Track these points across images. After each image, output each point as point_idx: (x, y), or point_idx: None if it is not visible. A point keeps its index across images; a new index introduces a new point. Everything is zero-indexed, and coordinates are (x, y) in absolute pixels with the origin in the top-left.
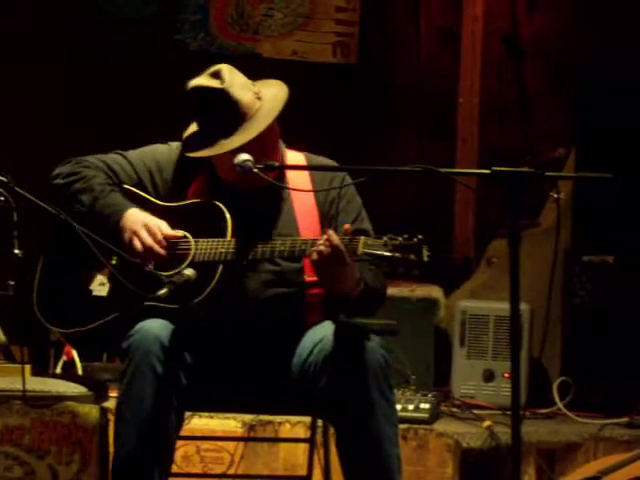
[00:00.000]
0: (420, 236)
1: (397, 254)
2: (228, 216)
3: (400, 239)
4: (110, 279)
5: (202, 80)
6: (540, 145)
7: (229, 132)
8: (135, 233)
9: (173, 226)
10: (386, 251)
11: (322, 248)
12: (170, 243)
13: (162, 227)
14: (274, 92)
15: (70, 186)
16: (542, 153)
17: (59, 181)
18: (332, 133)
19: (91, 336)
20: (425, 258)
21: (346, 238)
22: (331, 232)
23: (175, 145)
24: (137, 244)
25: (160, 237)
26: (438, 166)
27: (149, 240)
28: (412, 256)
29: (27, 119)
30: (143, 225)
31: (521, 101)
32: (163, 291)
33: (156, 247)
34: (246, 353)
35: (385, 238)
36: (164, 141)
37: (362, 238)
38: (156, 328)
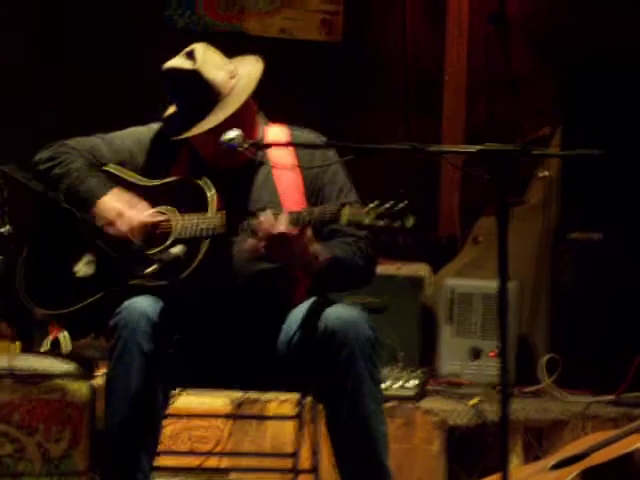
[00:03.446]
0: (404, 203)
1: (381, 222)
2: (210, 191)
3: (384, 207)
4: (96, 259)
5: (175, 62)
6: (527, 123)
7: (204, 113)
8: (109, 222)
9: (156, 204)
10: (370, 219)
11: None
12: (154, 221)
13: (140, 211)
14: (248, 70)
15: (49, 172)
16: (528, 132)
17: (40, 167)
18: (318, 110)
19: (78, 316)
20: (409, 224)
21: (329, 207)
22: (269, 213)
23: (155, 126)
24: (113, 233)
25: (134, 223)
26: (424, 144)
27: (124, 229)
28: (396, 223)
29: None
30: (116, 213)
31: (508, 79)
32: (151, 269)
33: (129, 235)
34: (233, 330)
35: (369, 206)
36: (147, 121)
37: (346, 207)
38: (144, 305)
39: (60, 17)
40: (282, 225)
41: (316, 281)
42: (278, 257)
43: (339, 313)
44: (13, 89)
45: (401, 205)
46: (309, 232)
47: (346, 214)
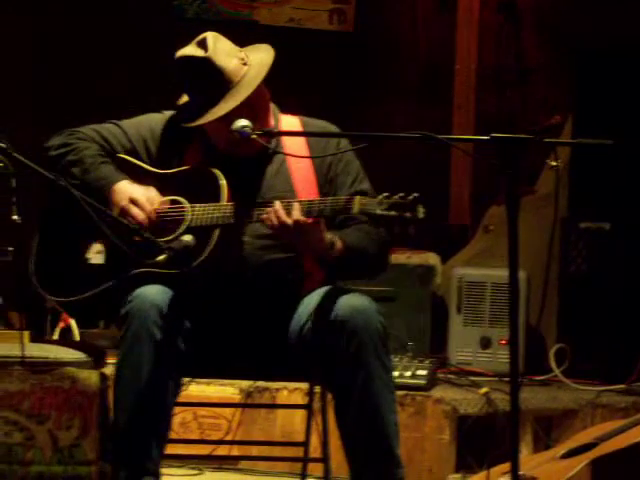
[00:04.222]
0: (415, 194)
1: (393, 212)
2: (223, 181)
3: (395, 197)
4: (107, 247)
5: (187, 50)
6: (537, 112)
7: (216, 100)
8: (123, 208)
9: (168, 193)
10: (381, 209)
11: (272, 219)
12: (166, 210)
13: (152, 198)
14: (260, 57)
15: (62, 158)
16: (539, 120)
17: (52, 153)
18: (329, 100)
19: (88, 304)
20: (421, 215)
21: (342, 198)
22: (278, 205)
23: (169, 113)
24: (127, 219)
25: (149, 209)
26: (434, 133)
27: (141, 215)
28: (407, 214)
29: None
30: (130, 200)
31: (518, 68)
32: (162, 257)
33: (146, 222)
34: (244, 319)
35: (380, 197)
36: (158, 110)
37: (357, 197)
38: (154, 294)
39: (69, 8)
40: (296, 213)
41: (331, 270)
42: (295, 246)
43: (349, 302)
44: (17, 85)
45: (412, 196)
46: (323, 221)
47: (358, 204)
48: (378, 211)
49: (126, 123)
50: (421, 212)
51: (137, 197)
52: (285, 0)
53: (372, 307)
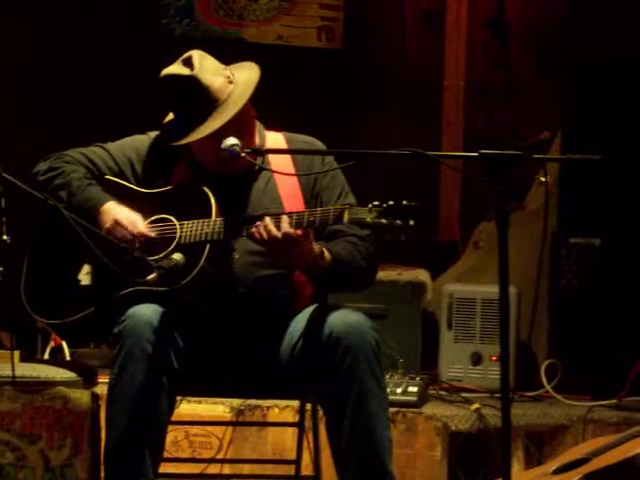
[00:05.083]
0: (405, 202)
1: (383, 220)
2: (211, 197)
3: (385, 205)
4: (97, 267)
5: (173, 68)
6: (526, 128)
7: (202, 118)
8: (108, 230)
9: (156, 212)
10: (372, 218)
11: (262, 233)
12: (155, 228)
13: (136, 223)
14: (246, 75)
15: (50, 182)
16: (528, 136)
17: (39, 178)
18: (317, 117)
19: (78, 326)
20: (411, 222)
21: (331, 209)
22: (268, 220)
23: (153, 134)
24: (115, 240)
25: (136, 232)
26: (423, 150)
27: (126, 237)
28: (398, 221)
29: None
30: (114, 222)
31: (507, 84)
32: (152, 276)
33: (132, 242)
34: (235, 336)
35: (370, 205)
36: (143, 132)
37: (347, 207)
38: (148, 313)
39: (58, 27)
40: (285, 225)
41: (320, 285)
42: (284, 260)
43: (343, 318)
44: (9, 100)
45: (402, 204)
46: (312, 232)
47: (348, 213)
48: (368, 219)
49: (111, 145)
50: (411, 220)
51: (121, 219)
52: (273, 18)
53: (367, 324)
